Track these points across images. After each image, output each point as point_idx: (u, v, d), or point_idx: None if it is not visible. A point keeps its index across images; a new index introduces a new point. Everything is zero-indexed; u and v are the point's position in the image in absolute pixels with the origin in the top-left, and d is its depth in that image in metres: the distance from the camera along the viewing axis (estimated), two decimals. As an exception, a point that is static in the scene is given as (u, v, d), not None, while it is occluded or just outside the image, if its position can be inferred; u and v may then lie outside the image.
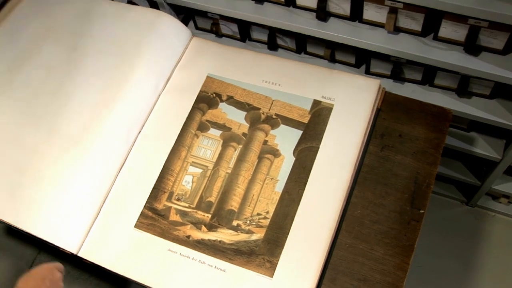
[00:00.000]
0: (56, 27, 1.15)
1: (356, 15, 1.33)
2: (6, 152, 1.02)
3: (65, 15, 1.16)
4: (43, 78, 1.08)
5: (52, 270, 0.86)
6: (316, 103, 1.02)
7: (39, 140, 1.02)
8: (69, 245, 0.93)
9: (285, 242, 0.89)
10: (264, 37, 1.55)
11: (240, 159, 1.00)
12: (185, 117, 1.04)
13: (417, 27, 1.26)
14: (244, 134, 1.02)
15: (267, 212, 0.94)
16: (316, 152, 0.96)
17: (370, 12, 1.29)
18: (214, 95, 1.06)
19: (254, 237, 0.91)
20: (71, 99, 1.05)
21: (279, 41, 1.54)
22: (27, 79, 1.09)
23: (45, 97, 1.06)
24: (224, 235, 0.93)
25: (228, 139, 1.02)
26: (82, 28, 1.13)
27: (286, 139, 1.00)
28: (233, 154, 1.01)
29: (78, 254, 0.94)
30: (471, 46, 1.21)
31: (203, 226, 0.94)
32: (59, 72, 1.08)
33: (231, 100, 1.06)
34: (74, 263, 1.03)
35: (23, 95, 1.07)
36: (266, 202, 0.95)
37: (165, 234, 0.94)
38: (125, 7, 1.17)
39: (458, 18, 1.17)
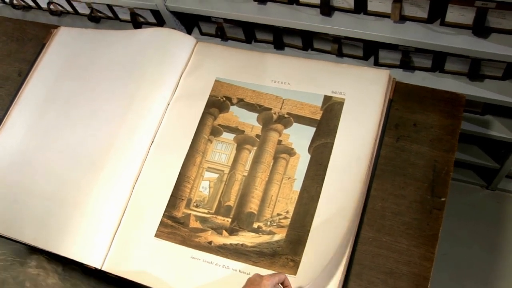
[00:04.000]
0: (72, 66, 1.18)
1: (360, 7, 1.33)
2: (38, 182, 1.04)
3: (81, 55, 1.19)
4: (65, 111, 1.11)
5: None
6: (327, 98, 1.01)
7: (64, 168, 1.04)
8: (93, 260, 0.94)
9: (307, 239, 0.89)
10: (270, 37, 1.54)
11: (256, 161, 1.00)
12: (197, 123, 1.04)
13: (423, 14, 1.25)
14: (257, 135, 1.02)
15: (287, 212, 0.93)
16: (331, 148, 0.95)
17: (375, 3, 1.28)
18: (224, 98, 1.06)
19: (276, 237, 0.91)
20: (89, 127, 1.07)
21: (285, 40, 1.53)
22: (53, 114, 1.12)
23: (67, 129, 1.09)
24: (246, 238, 0.93)
25: (242, 142, 1.02)
26: (91, 61, 1.16)
27: (300, 137, 0.99)
28: (248, 156, 1.01)
29: (102, 269, 0.94)
30: (480, 29, 1.20)
31: (224, 230, 0.94)
32: (77, 105, 1.11)
33: (241, 103, 1.06)
34: (99, 278, 1.03)
35: (50, 128, 1.10)
36: (285, 202, 0.94)
37: (186, 241, 0.94)
38: (125, 33, 1.19)
39: (464, 1, 1.16)
